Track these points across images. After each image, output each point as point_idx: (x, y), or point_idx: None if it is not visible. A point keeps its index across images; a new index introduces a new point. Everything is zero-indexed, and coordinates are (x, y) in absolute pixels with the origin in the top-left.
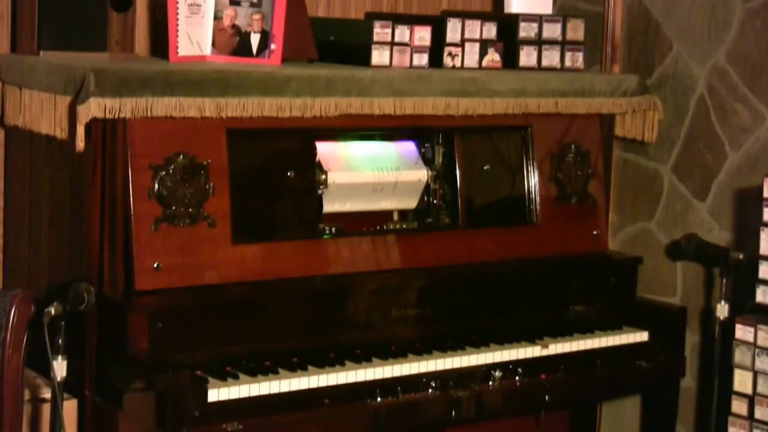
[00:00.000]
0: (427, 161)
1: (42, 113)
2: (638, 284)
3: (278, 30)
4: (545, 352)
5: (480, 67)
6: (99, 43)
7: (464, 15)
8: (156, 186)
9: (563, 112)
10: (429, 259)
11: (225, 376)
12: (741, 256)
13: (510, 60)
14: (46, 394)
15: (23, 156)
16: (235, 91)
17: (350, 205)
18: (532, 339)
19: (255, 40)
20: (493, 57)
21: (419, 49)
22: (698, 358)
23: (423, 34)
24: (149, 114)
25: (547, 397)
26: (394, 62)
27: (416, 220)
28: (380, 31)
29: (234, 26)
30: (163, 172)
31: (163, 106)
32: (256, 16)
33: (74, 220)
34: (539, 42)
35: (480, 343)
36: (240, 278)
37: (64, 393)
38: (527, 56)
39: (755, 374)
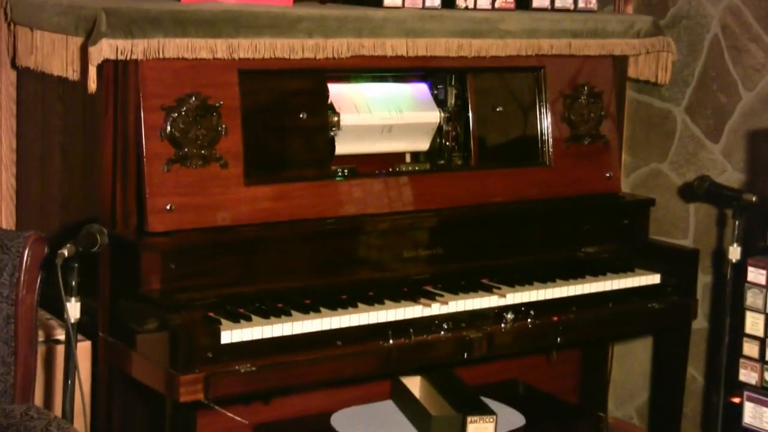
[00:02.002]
0: (440, 102)
1: (53, 54)
2: (650, 226)
3: None
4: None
5: (493, 8)
6: None
7: None
8: (168, 127)
9: (576, 53)
10: (441, 200)
11: (237, 317)
12: (753, 198)
13: (523, 0)
14: (60, 335)
15: (35, 97)
16: (247, 31)
17: (362, 146)
18: (543, 281)
19: None
20: None
21: None
22: (710, 300)
23: None
24: (161, 55)
25: (558, 339)
26: (407, 2)
27: (428, 161)
28: None
29: None
30: (175, 113)
31: (175, 47)
32: None
33: (86, 161)
34: None
35: (492, 284)
36: (252, 219)
37: (78, 334)
38: None
39: (767, 316)
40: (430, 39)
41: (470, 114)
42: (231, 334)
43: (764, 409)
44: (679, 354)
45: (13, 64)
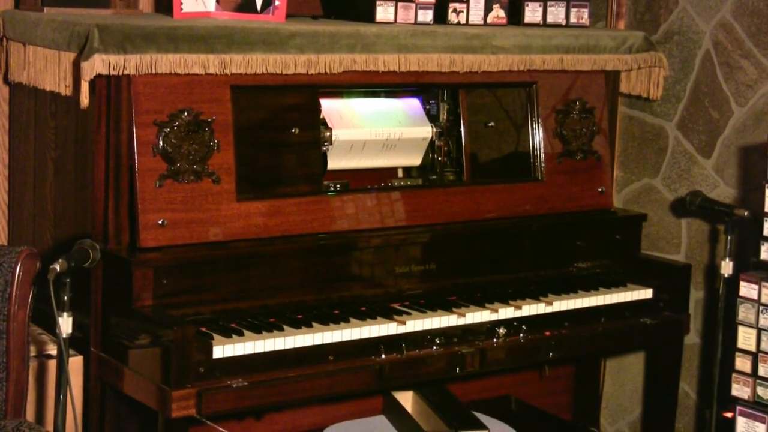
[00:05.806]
0: (432, 118)
1: (46, 69)
2: (642, 241)
3: None
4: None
5: (485, 24)
6: None
7: None
8: (160, 142)
9: (568, 68)
10: (433, 215)
11: (230, 332)
12: (745, 213)
13: (515, 16)
14: (52, 350)
15: (28, 112)
16: (240, 47)
17: (355, 161)
18: (536, 296)
19: None
20: (498, 13)
21: (424, 5)
22: (702, 315)
23: None
24: (153, 71)
25: (551, 354)
26: (399, 18)
27: (421, 176)
28: None
29: None
30: (168, 129)
31: (168, 62)
32: None
33: (79, 176)
34: None
35: (484, 300)
36: (244, 235)
37: (70, 349)
38: (532, 12)
39: (759, 331)
40: (423, 54)
41: (462, 129)
42: (223, 349)
43: (757, 423)
44: (672, 369)
45: (6, 80)
